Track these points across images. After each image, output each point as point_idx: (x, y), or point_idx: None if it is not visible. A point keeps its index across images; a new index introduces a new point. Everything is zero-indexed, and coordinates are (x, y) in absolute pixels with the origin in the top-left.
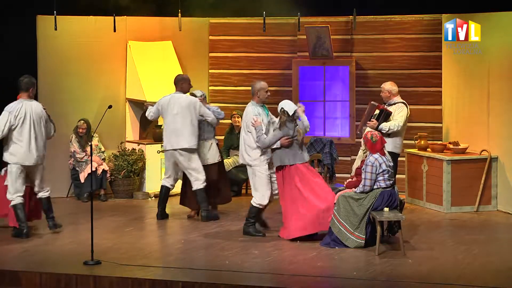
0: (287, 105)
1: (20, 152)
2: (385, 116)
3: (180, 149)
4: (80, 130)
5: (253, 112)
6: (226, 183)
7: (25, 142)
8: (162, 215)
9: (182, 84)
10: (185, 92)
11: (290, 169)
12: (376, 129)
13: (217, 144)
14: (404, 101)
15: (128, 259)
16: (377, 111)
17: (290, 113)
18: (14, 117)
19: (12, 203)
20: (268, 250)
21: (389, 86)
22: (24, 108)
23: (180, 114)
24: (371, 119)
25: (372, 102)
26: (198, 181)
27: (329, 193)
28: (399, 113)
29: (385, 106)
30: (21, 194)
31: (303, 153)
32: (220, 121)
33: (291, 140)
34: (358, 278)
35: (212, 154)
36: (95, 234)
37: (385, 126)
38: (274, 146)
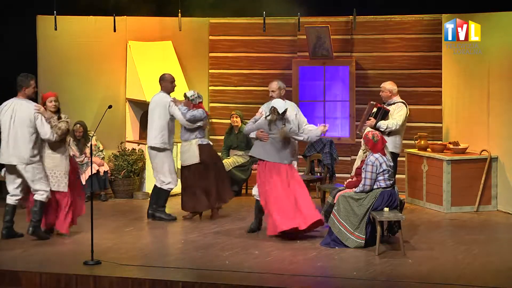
0: (278, 104)
1: (2, 150)
2: (383, 114)
3: (148, 147)
4: (77, 134)
5: (264, 106)
6: (203, 188)
7: (4, 141)
8: (153, 215)
9: (163, 83)
10: (168, 92)
11: (264, 165)
12: (374, 127)
13: (200, 145)
14: (404, 101)
15: (128, 259)
16: (374, 110)
17: (280, 111)
18: None
19: (7, 201)
20: (268, 250)
21: (390, 85)
22: (9, 106)
23: (151, 113)
24: (369, 118)
25: (371, 102)
26: (157, 181)
27: (300, 214)
28: (398, 112)
29: (384, 105)
30: (12, 194)
31: (281, 154)
32: (221, 121)
33: (265, 135)
34: (358, 278)
35: (188, 156)
36: (95, 234)
37: (383, 124)
38: (251, 136)
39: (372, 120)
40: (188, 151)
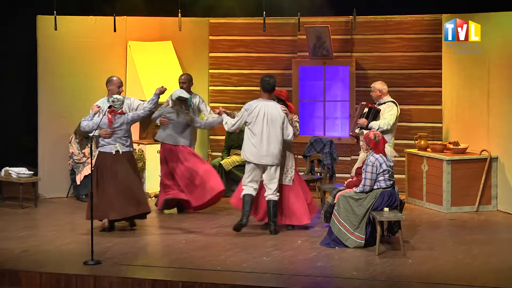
0: (183, 94)
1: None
2: (374, 113)
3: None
4: None
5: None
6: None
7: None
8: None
9: (110, 86)
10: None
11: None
12: (366, 127)
13: None
14: (394, 100)
15: (128, 259)
16: (366, 110)
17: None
18: None
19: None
20: (268, 250)
21: (379, 85)
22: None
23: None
24: (360, 117)
25: (362, 103)
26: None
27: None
28: (388, 112)
29: (375, 105)
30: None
31: (179, 137)
32: None
33: (167, 121)
34: (358, 278)
35: None
36: (95, 234)
37: (375, 124)
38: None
39: (364, 120)
40: None
